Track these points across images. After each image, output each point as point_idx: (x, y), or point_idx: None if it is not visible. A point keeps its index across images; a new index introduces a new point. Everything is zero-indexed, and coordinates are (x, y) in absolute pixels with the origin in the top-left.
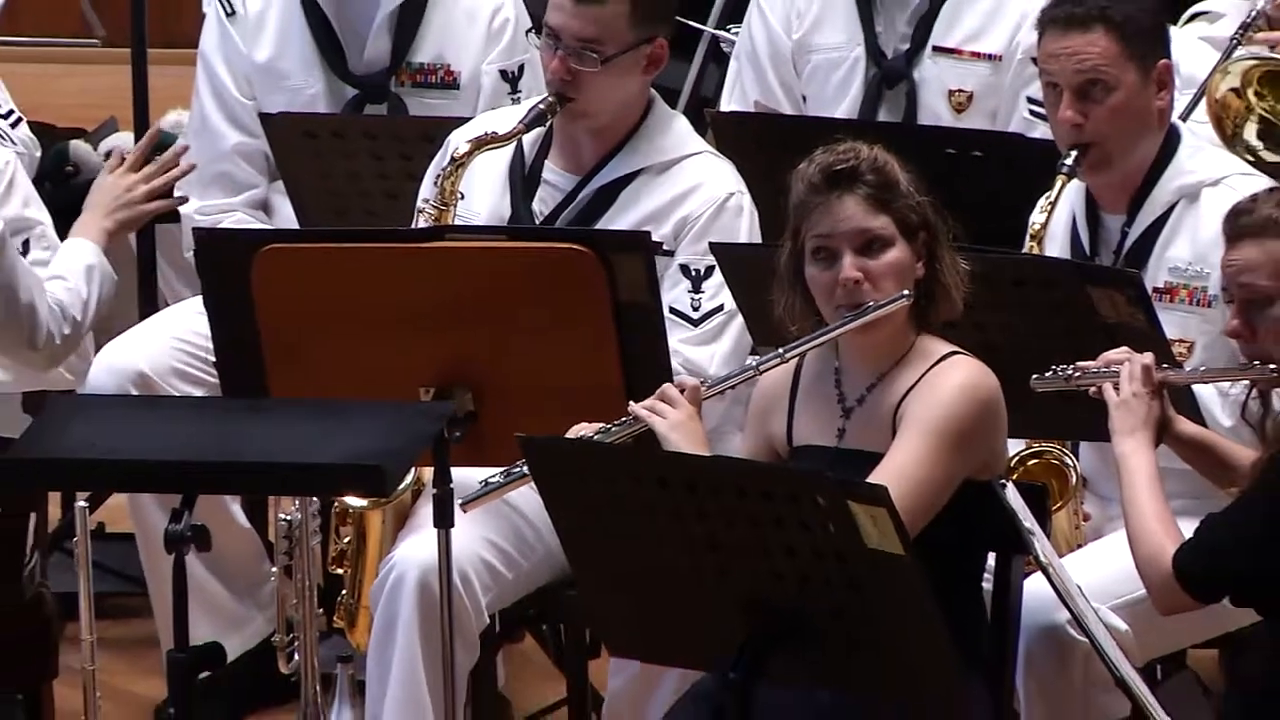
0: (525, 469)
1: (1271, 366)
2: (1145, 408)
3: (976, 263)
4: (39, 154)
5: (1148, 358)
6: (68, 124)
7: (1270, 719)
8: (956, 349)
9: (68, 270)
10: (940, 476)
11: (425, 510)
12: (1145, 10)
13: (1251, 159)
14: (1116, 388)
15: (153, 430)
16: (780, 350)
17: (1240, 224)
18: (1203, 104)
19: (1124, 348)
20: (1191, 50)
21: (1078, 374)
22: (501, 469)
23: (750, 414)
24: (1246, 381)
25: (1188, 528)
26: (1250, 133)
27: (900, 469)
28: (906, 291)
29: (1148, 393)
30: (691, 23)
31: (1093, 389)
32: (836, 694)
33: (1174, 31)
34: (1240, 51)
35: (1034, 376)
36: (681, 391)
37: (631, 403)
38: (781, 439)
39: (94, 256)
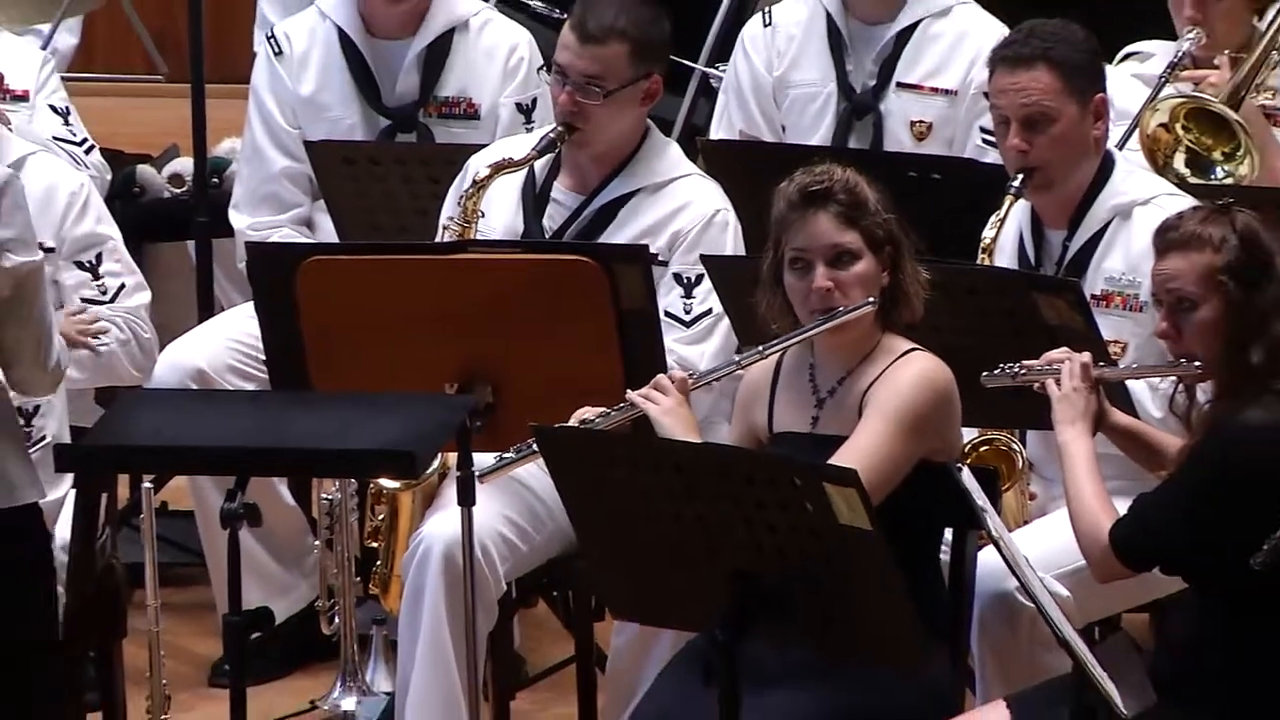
0: (534, 447)
1: (1196, 364)
2: (1084, 401)
3: (935, 272)
4: (109, 177)
5: (1086, 356)
6: (135, 150)
7: (1193, 674)
8: (916, 346)
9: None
10: (898, 455)
11: (450, 491)
12: (1083, 50)
13: (1179, 183)
14: (1058, 383)
15: (210, 420)
16: (761, 347)
17: (1169, 238)
18: (1136, 135)
19: (1064, 348)
20: (1124, 86)
21: (1024, 371)
22: (515, 446)
23: (736, 405)
24: (1174, 377)
25: (1122, 506)
26: (1179, 162)
27: (863, 448)
28: (871, 299)
29: (1086, 387)
30: (684, 61)
31: (1037, 385)
32: (811, 651)
33: (1109, 69)
34: (1168, 90)
35: (984, 374)
36: (672, 382)
37: (629, 391)
38: (763, 427)
39: None
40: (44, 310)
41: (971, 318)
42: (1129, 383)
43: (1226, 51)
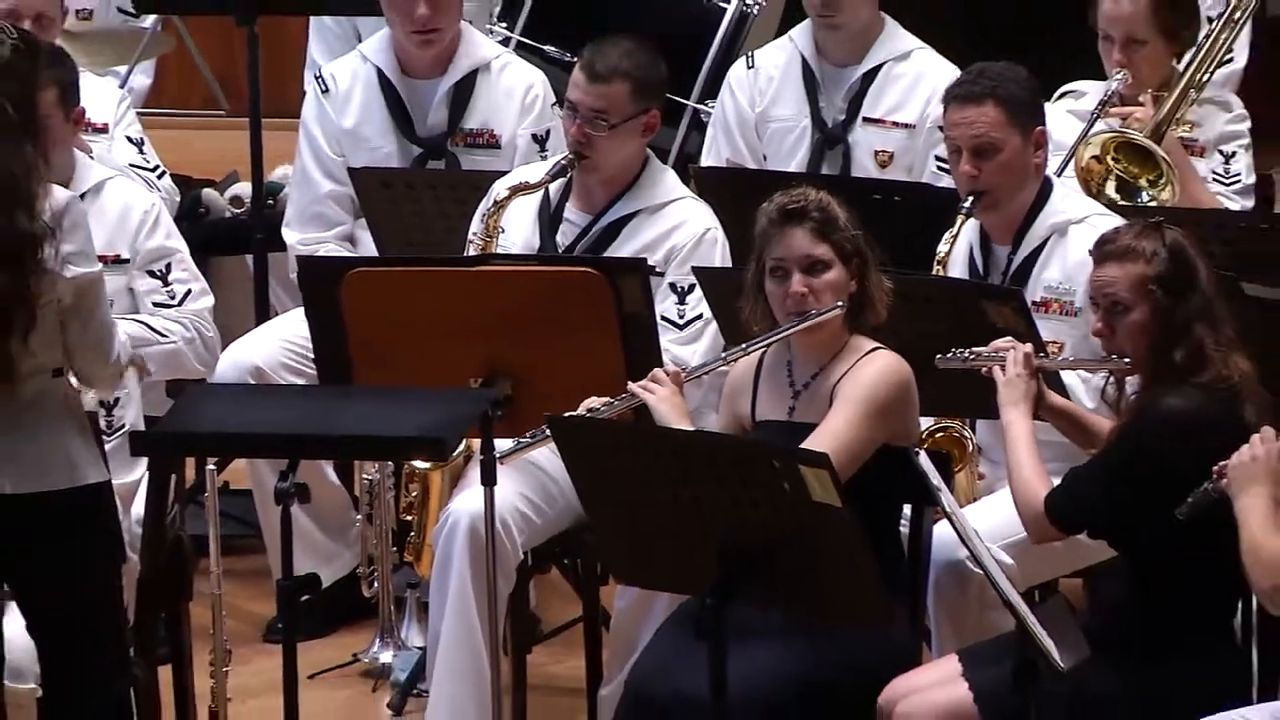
0: (546, 433)
1: (1126, 360)
2: (1025, 385)
3: (897, 282)
4: (178, 199)
5: (1028, 346)
6: (200, 176)
7: (1120, 631)
8: (880, 345)
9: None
10: (864, 440)
11: (474, 471)
12: (1025, 89)
13: (1110, 206)
14: (1003, 369)
15: (265, 410)
16: (744, 345)
17: (1106, 249)
18: (1071, 163)
19: (1009, 337)
20: (1060, 120)
21: (973, 356)
22: (530, 432)
23: (722, 397)
24: (1105, 371)
25: (1057, 479)
26: (1110, 189)
27: (833, 434)
28: (840, 303)
29: (1027, 374)
30: (678, 98)
31: (985, 370)
32: (789, 611)
33: (1047, 105)
34: (1099, 125)
35: (938, 356)
36: (668, 376)
37: (630, 383)
38: (746, 415)
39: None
40: (103, 315)
41: (928, 322)
42: (1064, 376)
43: (1150, 90)
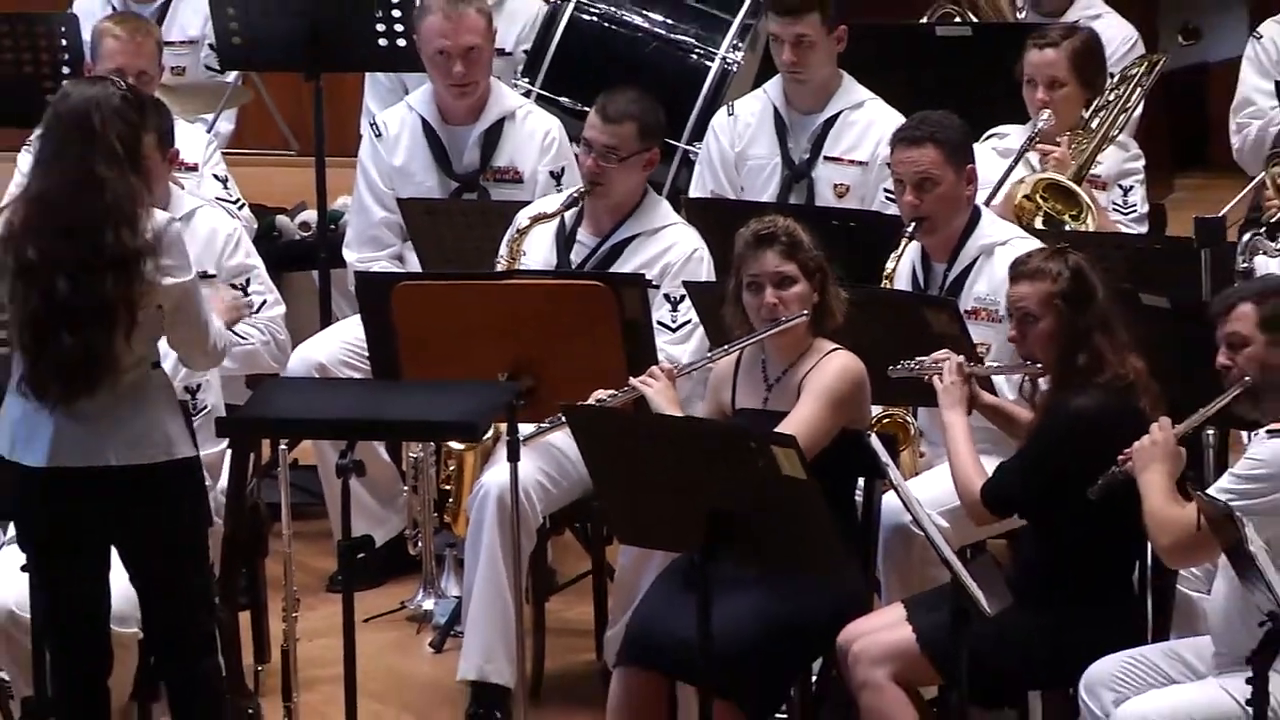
0: (561, 419)
1: (1037, 364)
2: (959, 390)
3: (852, 293)
4: (256, 225)
5: (960, 358)
6: (274, 205)
7: (1038, 584)
8: (839, 347)
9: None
10: (826, 425)
11: (501, 451)
12: (959, 133)
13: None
14: (941, 378)
15: (328, 400)
16: (727, 346)
17: (1018, 270)
18: (998, 195)
19: (946, 349)
20: (987, 158)
21: (917, 366)
22: (548, 419)
23: (708, 389)
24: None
25: (988, 463)
26: (1038, 223)
27: (801, 420)
28: (805, 312)
29: (960, 380)
30: (671, 140)
31: (927, 377)
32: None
33: (976, 146)
34: (1022, 170)
35: (890, 367)
36: (662, 371)
37: (631, 377)
38: (727, 404)
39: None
40: (201, 315)
41: (878, 327)
42: (994, 376)
43: (1067, 132)
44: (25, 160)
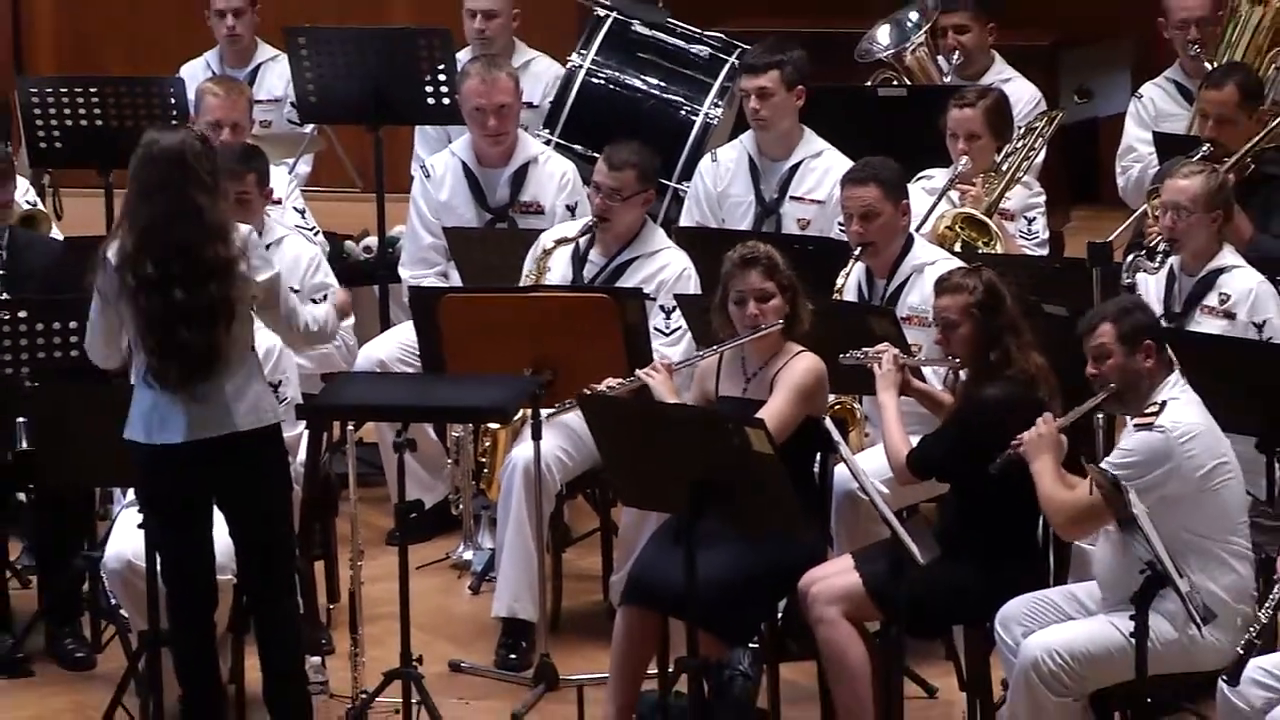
0: (574, 402)
1: (958, 360)
2: (894, 376)
3: (816, 304)
4: (328, 248)
5: (895, 350)
6: (343, 232)
7: (957, 539)
8: (805, 349)
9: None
10: (795, 414)
11: (526, 431)
12: (896, 174)
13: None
14: (880, 366)
15: (386, 390)
16: (715, 346)
17: (942, 286)
18: (928, 225)
19: (885, 343)
20: (918, 195)
21: (863, 355)
22: (565, 402)
23: (694, 380)
24: (946, 368)
25: (916, 435)
26: (957, 247)
27: (775, 409)
28: (780, 321)
29: (895, 369)
30: (663, 180)
31: (868, 365)
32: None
33: (910, 185)
34: (945, 205)
35: (840, 355)
36: (663, 366)
37: (637, 369)
38: (711, 392)
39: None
40: (288, 302)
41: (831, 329)
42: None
43: (981, 174)
44: None
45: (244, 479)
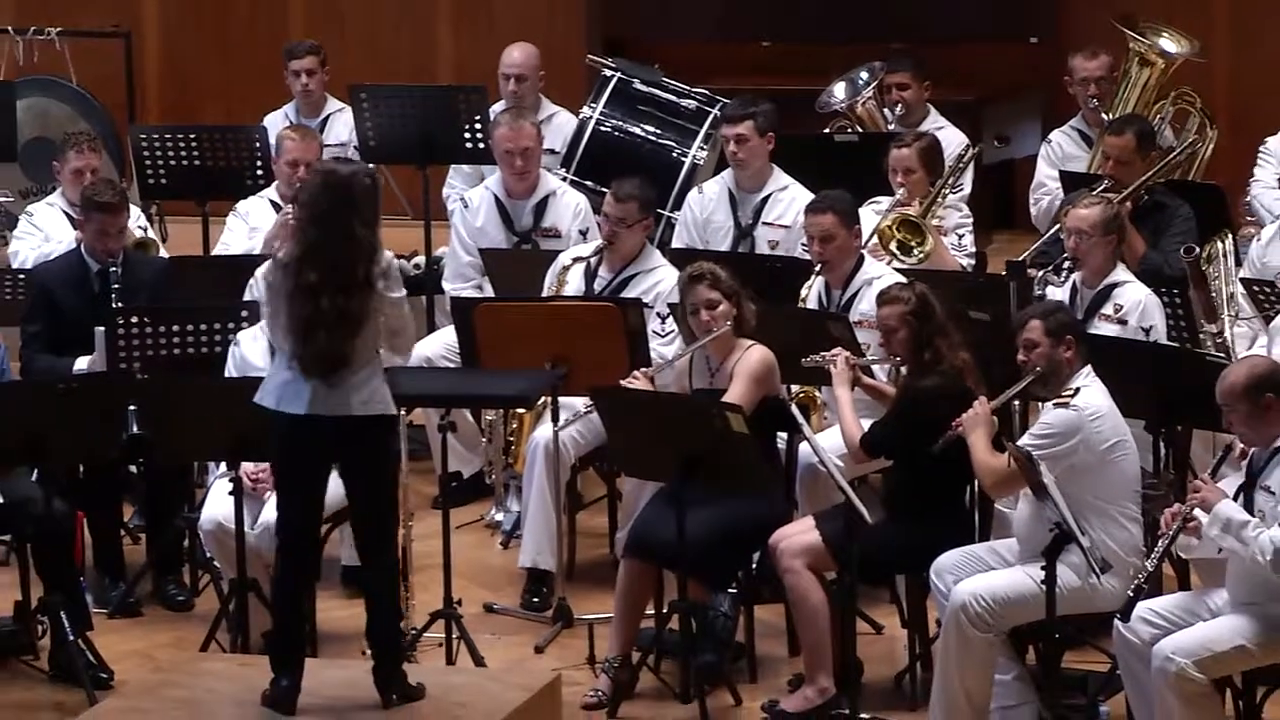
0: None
1: (899, 359)
2: (848, 374)
3: (781, 310)
4: None
5: (846, 352)
6: (398, 253)
7: (899, 503)
8: (755, 342)
9: None
10: (752, 395)
11: (546, 415)
12: (850, 204)
13: (895, 265)
14: (835, 365)
15: (432, 381)
16: (679, 352)
17: (882, 297)
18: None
19: (839, 347)
20: (867, 218)
21: (821, 358)
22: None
23: (674, 379)
24: (890, 366)
25: (867, 423)
26: (894, 246)
27: (736, 394)
28: (728, 324)
29: (848, 367)
30: (660, 210)
31: (826, 365)
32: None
33: (861, 209)
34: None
35: (803, 359)
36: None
37: (620, 381)
38: (687, 385)
39: None
40: (407, 321)
41: (796, 332)
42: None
43: (918, 199)
44: (236, 222)
45: (357, 456)
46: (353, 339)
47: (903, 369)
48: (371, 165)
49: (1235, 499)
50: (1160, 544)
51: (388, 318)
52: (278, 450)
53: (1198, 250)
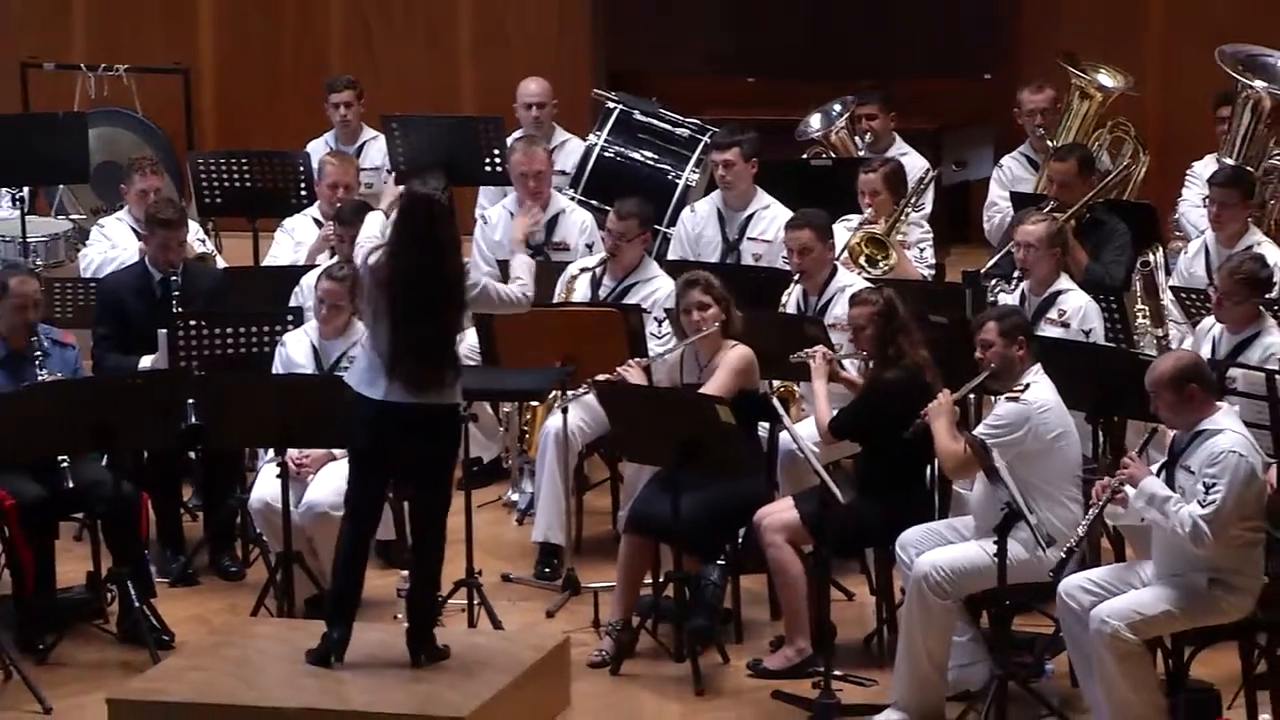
0: (590, 387)
1: (866, 354)
2: (824, 368)
3: (763, 315)
4: None
5: (825, 349)
6: None
7: (867, 484)
8: (738, 342)
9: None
10: (731, 385)
11: (557, 403)
12: (824, 220)
13: (864, 274)
14: (814, 361)
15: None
16: (671, 347)
17: (854, 300)
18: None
19: (818, 345)
20: (840, 234)
21: (804, 355)
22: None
23: (665, 373)
24: (859, 360)
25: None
26: (863, 260)
27: (716, 384)
28: (716, 325)
29: (825, 363)
30: (657, 226)
31: (807, 361)
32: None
33: (835, 225)
34: (856, 224)
35: (790, 355)
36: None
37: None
38: (678, 380)
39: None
40: (495, 294)
41: (778, 334)
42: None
43: (884, 218)
44: (283, 237)
45: (422, 441)
46: (447, 333)
47: (871, 363)
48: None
49: (1158, 476)
50: (1090, 513)
51: (476, 300)
52: (355, 433)
53: (1151, 263)
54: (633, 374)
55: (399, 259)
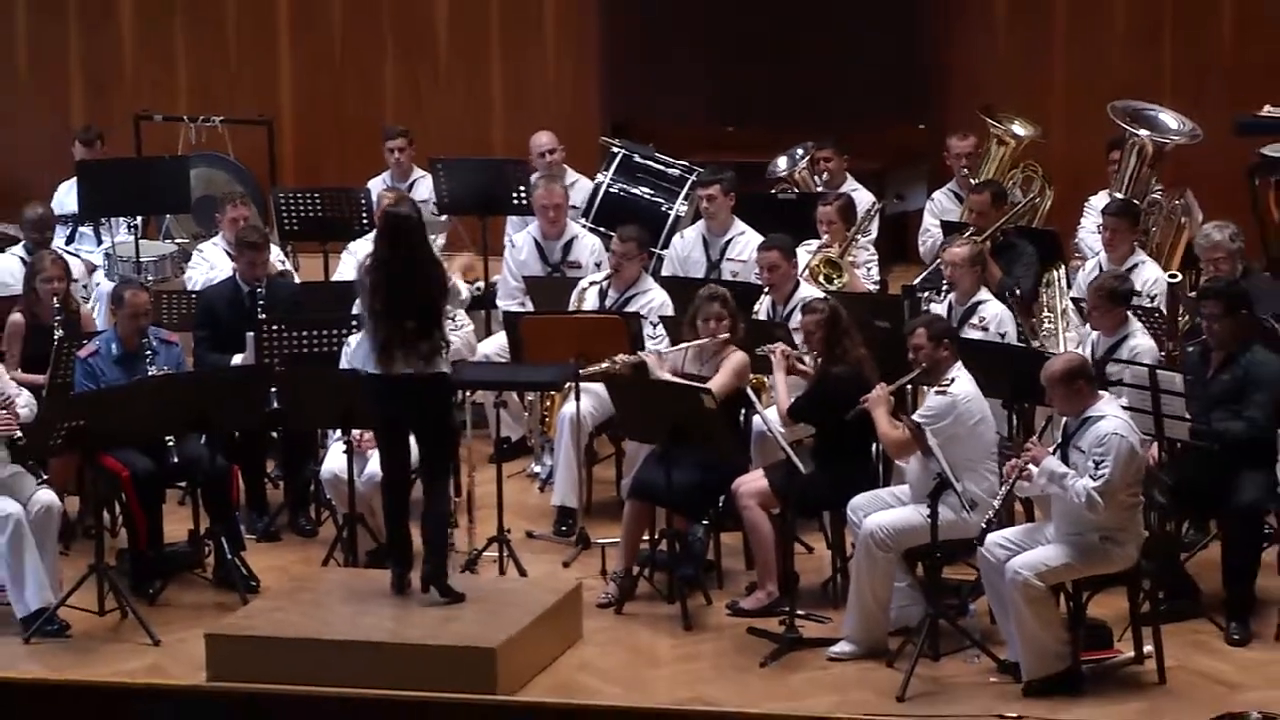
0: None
1: (816, 353)
2: (784, 362)
3: (746, 323)
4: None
5: (784, 346)
6: (468, 279)
7: (823, 457)
8: (738, 349)
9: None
10: (731, 384)
11: (571, 394)
12: (789, 243)
13: (823, 289)
14: (775, 356)
15: (489, 371)
16: (689, 343)
17: (806, 308)
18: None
19: (780, 342)
20: (803, 255)
21: (767, 350)
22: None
23: (669, 364)
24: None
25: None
26: (821, 278)
27: (719, 382)
28: (726, 334)
29: (784, 358)
30: (652, 249)
31: (769, 355)
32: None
33: (798, 248)
34: (815, 247)
35: (757, 349)
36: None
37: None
38: (679, 368)
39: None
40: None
41: (751, 336)
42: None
43: (837, 243)
44: (348, 257)
45: (417, 405)
46: (430, 325)
47: (819, 360)
48: (446, 216)
49: (1054, 454)
50: (1003, 489)
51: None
52: (372, 403)
53: (1053, 279)
54: (652, 362)
55: (380, 264)
